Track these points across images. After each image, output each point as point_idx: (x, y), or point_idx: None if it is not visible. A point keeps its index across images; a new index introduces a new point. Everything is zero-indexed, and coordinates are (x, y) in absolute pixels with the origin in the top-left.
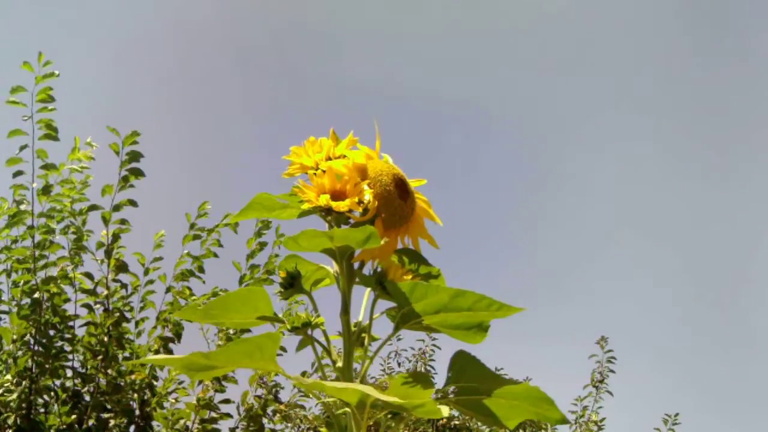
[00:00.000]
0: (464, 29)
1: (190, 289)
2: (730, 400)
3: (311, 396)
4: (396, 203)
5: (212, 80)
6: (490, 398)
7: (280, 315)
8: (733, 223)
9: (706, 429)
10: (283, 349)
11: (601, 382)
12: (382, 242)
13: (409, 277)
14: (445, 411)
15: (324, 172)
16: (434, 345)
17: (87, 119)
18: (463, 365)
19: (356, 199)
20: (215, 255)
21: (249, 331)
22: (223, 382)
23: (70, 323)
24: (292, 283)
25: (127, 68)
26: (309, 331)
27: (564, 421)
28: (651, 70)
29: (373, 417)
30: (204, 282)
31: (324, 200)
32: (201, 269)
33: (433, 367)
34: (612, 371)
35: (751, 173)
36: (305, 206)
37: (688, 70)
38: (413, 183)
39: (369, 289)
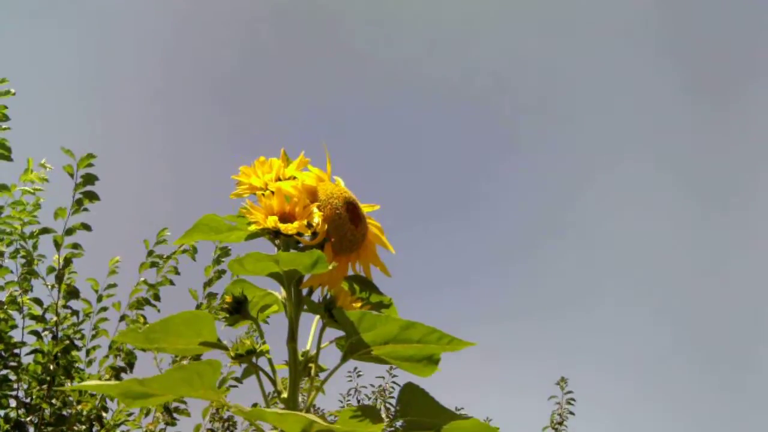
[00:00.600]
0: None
1: (144, 317)
2: None
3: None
4: (347, 228)
5: (176, 102)
6: None
7: (225, 342)
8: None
9: None
10: (238, 380)
11: (560, 424)
12: (331, 267)
13: (359, 305)
14: None
15: (273, 193)
16: (394, 382)
17: (43, 140)
18: (411, 398)
19: (305, 222)
20: (171, 283)
21: (199, 358)
22: (175, 414)
23: (16, 351)
24: (239, 309)
25: (88, 88)
26: (254, 360)
27: None
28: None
29: None
30: (159, 310)
31: (272, 222)
32: (157, 297)
33: (392, 404)
34: (572, 413)
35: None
36: (253, 228)
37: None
38: (366, 208)
39: (317, 317)
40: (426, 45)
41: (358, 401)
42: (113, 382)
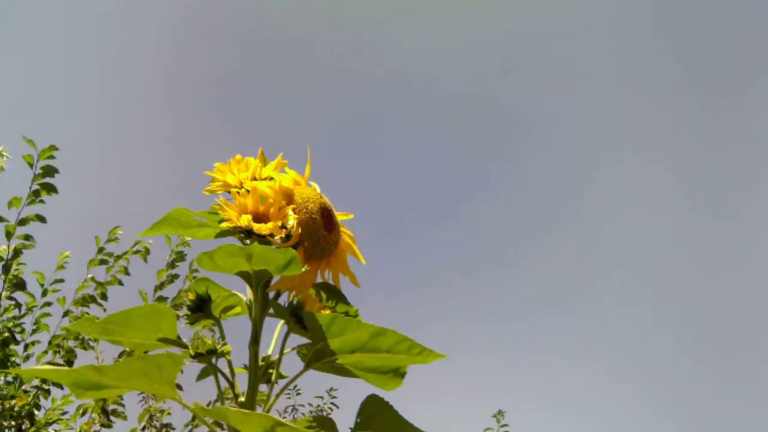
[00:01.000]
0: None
1: (89, 315)
2: None
3: None
4: (320, 233)
5: (142, 98)
6: None
7: (185, 340)
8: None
9: None
10: (179, 386)
11: None
12: (303, 270)
13: (327, 312)
14: None
15: (248, 192)
16: (333, 403)
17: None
18: (374, 411)
19: (279, 224)
20: (120, 283)
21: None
22: (112, 417)
23: None
24: (201, 307)
25: (54, 79)
26: (214, 360)
27: None
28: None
29: None
30: (105, 310)
31: (245, 221)
32: (104, 296)
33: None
34: None
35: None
36: (225, 225)
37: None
38: (340, 216)
39: (281, 322)
40: (415, 40)
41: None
42: (66, 368)
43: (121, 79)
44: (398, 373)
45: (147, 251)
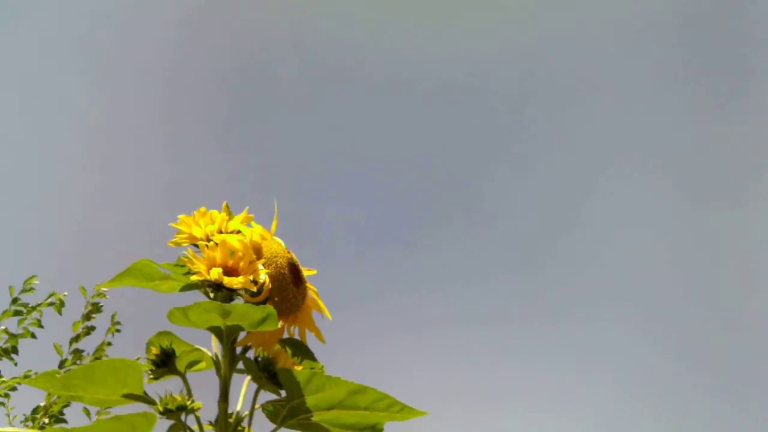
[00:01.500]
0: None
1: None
2: None
3: None
4: (289, 289)
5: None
6: None
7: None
8: None
9: None
10: None
11: None
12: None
13: (300, 368)
14: None
15: (216, 245)
16: None
17: None
18: None
19: (251, 278)
20: (33, 336)
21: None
22: None
23: None
24: (166, 362)
25: None
26: (183, 417)
27: None
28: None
29: None
30: (16, 364)
31: (215, 274)
32: (14, 349)
33: None
34: None
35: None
36: (194, 278)
37: None
38: (305, 272)
39: (248, 378)
40: (419, 44)
41: None
42: (33, 431)
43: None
44: (375, 430)
45: (62, 303)
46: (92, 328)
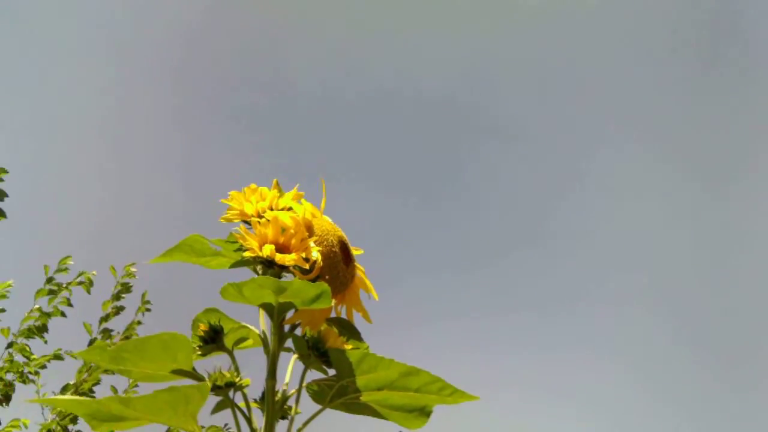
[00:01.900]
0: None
1: (29, 347)
2: None
3: None
4: (340, 267)
5: (107, 122)
6: None
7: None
8: None
9: None
10: None
11: None
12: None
13: (350, 347)
14: None
15: (268, 221)
16: None
17: None
18: None
19: (303, 255)
20: (63, 314)
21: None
22: None
23: None
24: (214, 338)
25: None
26: (231, 394)
27: None
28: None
29: None
30: (46, 342)
31: (268, 251)
32: (45, 328)
33: None
34: None
35: None
36: (247, 254)
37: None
38: (353, 251)
39: (294, 357)
40: (409, 43)
41: None
42: (87, 399)
43: (84, 98)
44: (424, 412)
45: (91, 282)
46: (122, 308)
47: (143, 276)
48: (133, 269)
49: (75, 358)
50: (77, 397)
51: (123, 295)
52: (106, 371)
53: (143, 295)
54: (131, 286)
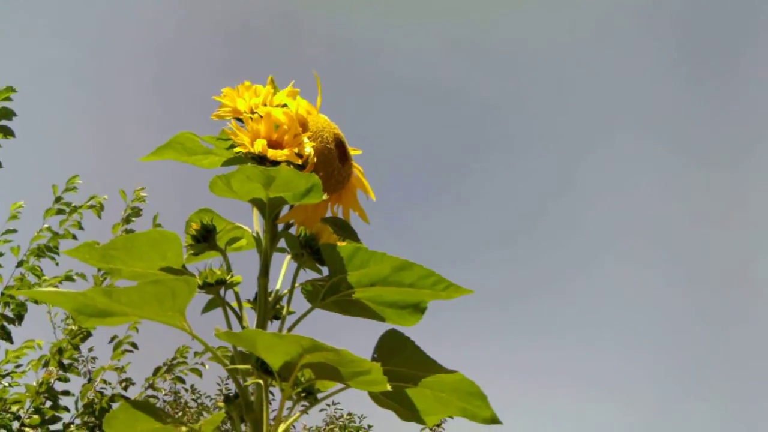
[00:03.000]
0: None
1: (40, 268)
2: None
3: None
4: (335, 164)
5: (116, 47)
6: (414, 387)
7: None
8: None
9: None
10: (133, 345)
11: None
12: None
13: (345, 244)
14: (388, 384)
15: (261, 117)
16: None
17: None
18: (393, 346)
19: (295, 150)
20: (74, 237)
21: None
22: (68, 373)
23: None
24: (207, 237)
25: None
26: (222, 292)
27: (495, 420)
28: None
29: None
30: (57, 264)
31: (260, 146)
32: (56, 249)
33: None
34: None
35: None
36: (238, 150)
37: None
38: (351, 151)
39: (288, 258)
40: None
41: None
42: (72, 291)
43: (96, 21)
44: (418, 308)
45: (101, 206)
46: (131, 231)
47: (153, 198)
48: (143, 193)
49: (70, 256)
50: (62, 290)
51: (133, 219)
52: None
53: (154, 218)
54: (141, 210)
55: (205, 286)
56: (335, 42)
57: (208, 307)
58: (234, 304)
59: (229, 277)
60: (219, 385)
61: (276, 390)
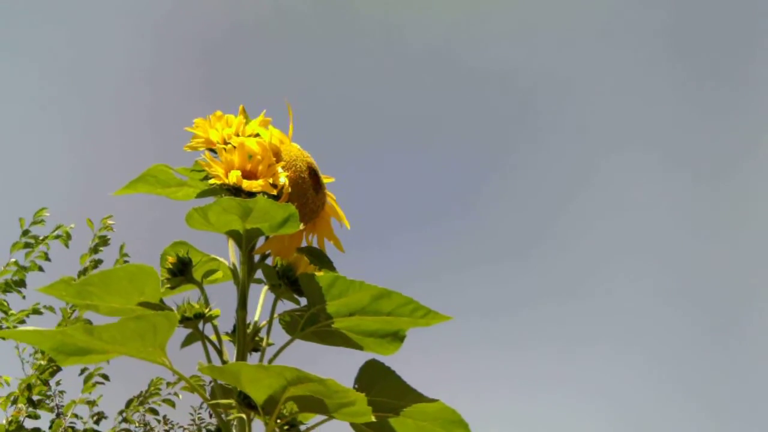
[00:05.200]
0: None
1: (6, 302)
2: None
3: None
4: (309, 194)
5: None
6: (397, 417)
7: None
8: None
9: None
10: (104, 376)
11: None
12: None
13: (321, 274)
14: (372, 415)
15: (234, 148)
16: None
17: None
18: (375, 376)
19: (270, 181)
20: (40, 269)
21: None
22: (38, 409)
23: None
24: (183, 271)
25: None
26: (200, 325)
27: None
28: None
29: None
30: (24, 297)
31: (234, 177)
32: (23, 283)
33: None
34: None
35: None
36: (213, 181)
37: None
38: (324, 179)
39: (265, 289)
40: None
41: None
42: (50, 329)
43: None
44: (397, 337)
45: (68, 236)
46: (99, 261)
47: (121, 229)
48: (110, 222)
49: (46, 293)
50: (41, 329)
51: (101, 248)
52: (86, 321)
53: (121, 248)
54: (109, 239)
55: (184, 321)
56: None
57: (188, 342)
58: (213, 337)
59: (207, 310)
60: (192, 414)
61: (258, 423)
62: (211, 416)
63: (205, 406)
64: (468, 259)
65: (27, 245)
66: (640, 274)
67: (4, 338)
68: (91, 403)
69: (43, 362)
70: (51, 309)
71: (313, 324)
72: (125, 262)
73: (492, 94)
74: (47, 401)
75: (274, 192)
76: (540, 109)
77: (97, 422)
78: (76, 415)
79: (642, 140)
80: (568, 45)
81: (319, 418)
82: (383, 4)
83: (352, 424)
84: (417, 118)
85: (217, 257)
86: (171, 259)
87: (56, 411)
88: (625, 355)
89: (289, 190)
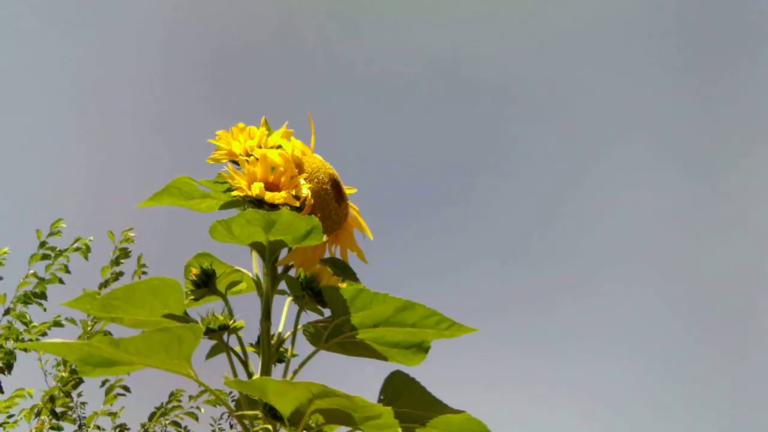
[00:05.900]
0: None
1: (28, 315)
2: None
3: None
4: (332, 205)
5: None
6: (423, 428)
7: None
8: None
9: None
10: (125, 388)
11: None
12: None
13: (345, 285)
14: (399, 427)
15: (257, 159)
16: None
17: None
18: (400, 387)
19: (293, 193)
20: (60, 281)
21: None
22: (61, 421)
23: None
24: (207, 282)
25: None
26: (225, 337)
27: None
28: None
29: None
30: (45, 309)
31: (257, 189)
32: (43, 295)
33: None
34: None
35: None
36: (235, 194)
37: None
38: (346, 190)
39: (289, 300)
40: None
41: None
42: (77, 342)
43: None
44: (422, 348)
45: (88, 248)
46: (121, 274)
47: (141, 240)
48: (131, 234)
49: (71, 307)
50: (67, 340)
51: (122, 261)
52: (106, 333)
53: (139, 258)
54: (130, 251)
55: (209, 332)
56: None
57: (212, 353)
58: (237, 348)
59: (231, 321)
60: (212, 425)
61: None
62: (231, 427)
63: (225, 417)
64: (466, 258)
65: (45, 257)
66: (640, 274)
67: (26, 350)
68: (113, 415)
69: (65, 374)
70: (72, 321)
71: (337, 335)
72: (143, 273)
73: (489, 95)
74: (70, 413)
75: (297, 204)
76: (538, 109)
77: None
78: (98, 427)
79: (642, 140)
80: (568, 45)
81: (346, 429)
82: (395, 13)
83: None
84: (416, 118)
85: (241, 269)
86: (195, 270)
87: (78, 422)
88: (626, 357)
89: (312, 201)
